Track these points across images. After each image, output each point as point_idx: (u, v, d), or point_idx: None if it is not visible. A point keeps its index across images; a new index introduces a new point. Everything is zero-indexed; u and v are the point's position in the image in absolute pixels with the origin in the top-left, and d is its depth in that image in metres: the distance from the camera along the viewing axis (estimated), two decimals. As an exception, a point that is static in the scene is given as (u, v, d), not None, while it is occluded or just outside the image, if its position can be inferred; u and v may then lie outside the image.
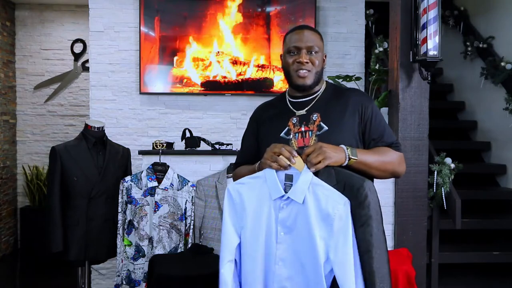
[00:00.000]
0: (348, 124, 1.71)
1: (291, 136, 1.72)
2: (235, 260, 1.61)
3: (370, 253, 1.47)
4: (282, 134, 1.74)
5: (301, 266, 1.51)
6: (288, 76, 1.82)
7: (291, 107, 1.79)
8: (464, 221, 3.17)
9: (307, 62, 1.74)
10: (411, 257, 2.85)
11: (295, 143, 1.70)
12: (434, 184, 3.07)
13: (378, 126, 1.74)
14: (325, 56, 1.81)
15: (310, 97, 1.77)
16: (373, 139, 1.73)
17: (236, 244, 1.59)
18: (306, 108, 1.75)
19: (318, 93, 1.78)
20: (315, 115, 1.72)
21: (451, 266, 3.56)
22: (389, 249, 3.08)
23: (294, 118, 1.75)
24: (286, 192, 1.53)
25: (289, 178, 1.54)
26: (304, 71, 1.74)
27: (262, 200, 1.56)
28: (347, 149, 1.60)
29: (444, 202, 3.07)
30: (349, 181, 1.52)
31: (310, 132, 1.70)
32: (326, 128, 1.69)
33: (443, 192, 3.06)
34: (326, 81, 1.85)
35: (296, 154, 1.55)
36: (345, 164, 1.59)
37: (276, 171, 1.55)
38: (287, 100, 1.82)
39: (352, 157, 1.60)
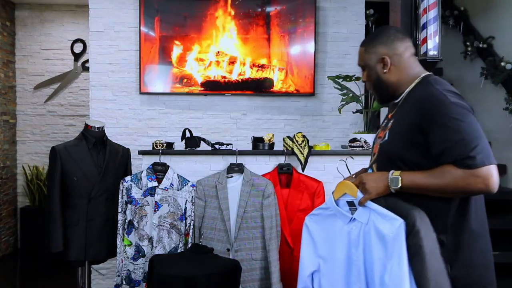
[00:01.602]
0: (408, 136, 1.54)
1: (375, 140, 1.75)
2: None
3: (421, 286, 1.39)
4: (374, 138, 1.79)
5: (371, 286, 1.55)
6: None
7: (389, 110, 1.77)
8: (464, 221, 3.16)
9: (364, 81, 1.75)
10: (411, 257, 2.85)
11: (374, 148, 1.74)
12: (434, 184, 3.06)
13: (439, 140, 1.47)
14: (383, 59, 1.66)
15: (398, 100, 1.69)
16: (436, 154, 1.48)
17: (312, 270, 1.72)
18: (393, 112, 1.69)
19: (404, 96, 1.66)
20: (391, 121, 1.65)
21: (451, 266, 3.56)
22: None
23: (385, 121, 1.73)
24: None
25: (350, 203, 1.63)
26: (369, 89, 1.76)
27: (335, 226, 1.67)
28: (391, 176, 1.52)
29: (444, 202, 3.06)
30: (396, 209, 1.50)
31: (380, 139, 1.68)
32: (387, 138, 1.62)
33: (443, 192, 3.05)
34: (425, 75, 1.67)
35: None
36: (392, 192, 1.53)
37: (336, 200, 1.66)
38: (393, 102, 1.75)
39: (393, 187, 1.51)
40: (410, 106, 1.58)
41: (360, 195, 1.57)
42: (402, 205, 1.49)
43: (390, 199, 1.53)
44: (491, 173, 1.49)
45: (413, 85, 1.64)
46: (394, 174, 1.52)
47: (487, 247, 1.65)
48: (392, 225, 1.46)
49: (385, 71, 1.66)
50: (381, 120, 1.83)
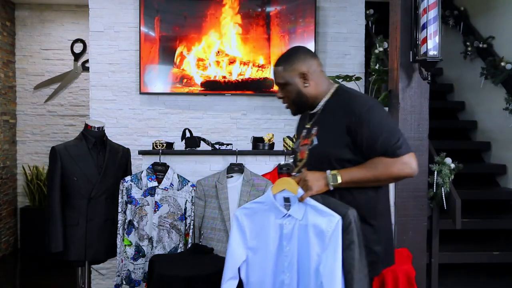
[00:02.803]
0: (336, 139, 1.72)
1: (298, 148, 1.88)
2: (238, 277, 1.80)
3: (351, 275, 1.59)
4: (294, 146, 1.93)
5: (304, 276, 1.67)
6: None
7: (307, 119, 1.89)
8: (464, 221, 3.17)
9: (281, 97, 1.87)
10: (411, 257, 2.85)
11: (298, 155, 1.86)
12: (434, 184, 3.07)
13: (370, 137, 1.68)
14: (303, 74, 1.79)
15: (316, 110, 1.85)
16: (366, 149, 1.70)
17: (241, 260, 1.78)
18: (312, 121, 1.84)
19: (323, 105, 1.83)
20: (314, 128, 1.81)
21: (451, 266, 3.55)
22: (389, 249, 3.09)
23: (304, 131, 1.87)
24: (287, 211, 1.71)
25: (287, 199, 1.71)
26: (285, 104, 1.88)
27: (267, 220, 1.74)
28: (330, 174, 1.68)
29: (444, 202, 3.06)
30: (334, 207, 1.64)
31: (306, 146, 1.81)
32: (316, 142, 1.77)
33: (443, 192, 3.06)
34: (337, 86, 1.85)
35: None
36: (331, 189, 1.69)
37: (274, 195, 1.73)
38: (307, 112, 1.91)
39: (332, 183, 1.68)
40: (335, 112, 1.76)
41: (300, 192, 1.66)
42: (339, 205, 1.65)
43: (328, 198, 1.67)
44: (414, 158, 1.72)
45: (329, 95, 1.82)
46: (332, 172, 1.69)
47: (390, 222, 1.94)
48: (330, 221, 1.60)
49: (306, 85, 1.80)
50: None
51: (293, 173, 1.87)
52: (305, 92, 1.81)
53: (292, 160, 1.90)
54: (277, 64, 1.85)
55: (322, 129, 1.78)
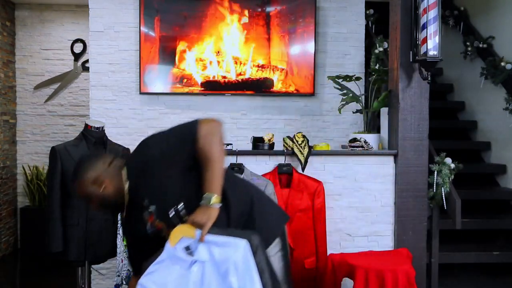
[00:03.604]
0: (158, 181, 1.72)
1: (152, 229, 1.82)
2: None
3: None
4: (149, 230, 1.83)
5: None
6: None
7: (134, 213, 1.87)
8: (464, 221, 3.17)
9: (95, 210, 1.93)
10: (411, 257, 2.85)
11: (158, 229, 1.81)
12: (434, 184, 3.07)
13: (172, 150, 1.72)
14: (96, 180, 1.79)
15: (128, 198, 1.82)
16: (186, 159, 1.72)
17: None
18: (136, 206, 1.81)
19: (126, 191, 1.80)
20: (144, 203, 1.78)
21: (451, 266, 3.56)
22: (389, 249, 3.09)
23: (143, 218, 1.81)
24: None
25: (187, 248, 1.66)
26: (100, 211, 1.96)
27: (176, 275, 1.65)
28: (205, 200, 1.68)
29: (444, 202, 3.07)
30: (238, 236, 1.66)
31: (153, 219, 1.78)
32: (153, 206, 1.76)
33: (443, 192, 3.06)
34: (125, 167, 1.82)
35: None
36: (219, 206, 1.69)
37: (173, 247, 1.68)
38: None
39: (214, 202, 1.67)
40: (139, 175, 1.76)
41: (198, 233, 1.64)
42: (240, 233, 1.67)
43: (227, 230, 1.68)
44: (203, 119, 1.77)
45: (126, 179, 1.79)
46: (204, 196, 1.68)
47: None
48: (237, 249, 1.60)
49: (102, 189, 1.78)
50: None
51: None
52: (106, 195, 1.79)
53: (153, 241, 1.85)
54: (72, 184, 1.85)
55: (146, 195, 1.76)
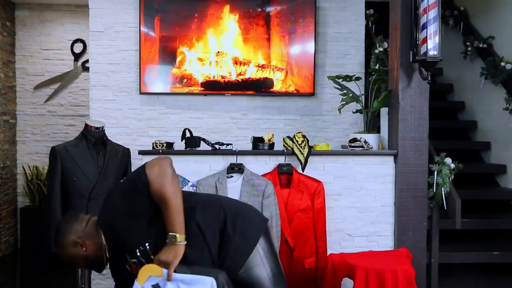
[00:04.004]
0: (133, 236, 1.76)
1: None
2: None
3: None
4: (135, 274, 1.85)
5: None
6: None
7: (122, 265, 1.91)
8: (464, 221, 3.17)
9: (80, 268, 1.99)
10: (411, 257, 2.85)
11: (135, 272, 1.82)
12: (434, 184, 3.07)
13: (134, 207, 1.76)
14: (75, 242, 1.83)
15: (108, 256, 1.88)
16: (142, 205, 1.75)
17: None
18: (118, 261, 1.88)
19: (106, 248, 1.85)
20: (126, 258, 1.82)
21: (451, 266, 3.56)
22: (389, 249, 3.09)
23: (127, 267, 1.85)
24: None
25: (155, 286, 1.70)
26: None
27: None
28: (169, 240, 1.71)
29: (444, 202, 3.06)
30: (204, 273, 1.69)
31: (132, 263, 1.81)
32: (132, 254, 1.78)
33: (443, 192, 3.06)
34: (99, 226, 1.86)
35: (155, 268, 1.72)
36: (184, 243, 1.73)
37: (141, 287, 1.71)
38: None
39: (179, 241, 1.71)
40: (116, 230, 1.79)
41: (165, 271, 1.67)
42: (207, 270, 1.70)
43: (194, 268, 1.71)
44: (145, 164, 1.80)
45: (103, 237, 1.83)
46: (169, 236, 1.72)
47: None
48: (204, 286, 1.63)
49: (84, 249, 1.82)
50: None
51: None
52: (88, 255, 1.83)
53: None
54: (55, 249, 1.88)
55: (126, 251, 1.80)
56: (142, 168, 1.78)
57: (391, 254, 2.90)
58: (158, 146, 2.99)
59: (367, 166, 3.10)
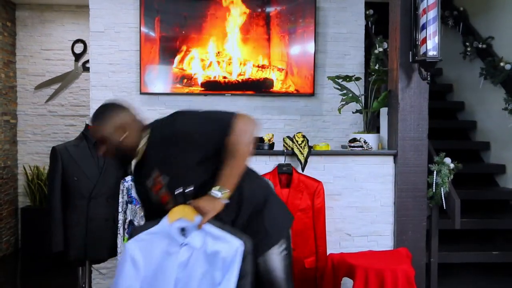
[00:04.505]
0: (181, 159, 1.73)
1: (157, 197, 1.81)
2: None
3: None
4: (154, 200, 1.82)
5: None
6: None
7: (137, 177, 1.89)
8: (464, 221, 3.17)
9: (103, 154, 1.84)
10: (410, 257, 2.86)
11: (160, 201, 1.80)
12: (434, 184, 3.08)
13: (203, 136, 1.74)
14: (123, 128, 1.81)
15: (139, 159, 1.84)
16: (213, 148, 1.74)
17: None
18: (146, 169, 1.82)
19: (142, 151, 1.83)
20: (153, 172, 1.79)
21: (450, 266, 3.56)
22: (388, 248, 3.10)
23: (148, 180, 1.82)
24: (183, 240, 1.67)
25: (183, 229, 1.67)
26: (110, 158, 1.86)
27: (162, 250, 1.67)
28: (215, 191, 1.67)
29: (444, 202, 3.07)
30: (234, 235, 1.68)
31: (162, 188, 1.77)
32: (167, 178, 1.76)
33: (442, 192, 3.07)
34: (149, 128, 1.85)
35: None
36: (226, 202, 1.69)
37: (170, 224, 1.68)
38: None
39: (222, 196, 1.67)
40: (158, 149, 1.76)
41: (198, 219, 1.63)
42: (235, 232, 1.67)
43: (226, 227, 1.68)
44: (241, 115, 1.81)
45: (145, 139, 1.82)
46: (215, 188, 1.68)
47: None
48: (230, 247, 1.60)
49: (122, 137, 1.80)
50: None
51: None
52: (123, 142, 1.80)
53: (160, 211, 1.83)
54: (93, 120, 1.85)
55: (162, 166, 1.77)
56: (231, 114, 1.79)
57: (391, 254, 2.91)
58: (158, 146, 3.00)
59: (367, 166, 3.11)
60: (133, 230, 1.73)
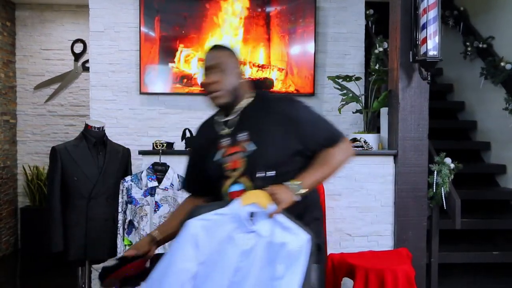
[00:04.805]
0: (276, 139, 1.65)
1: (224, 159, 1.69)
2: None
3: None
4: (216, 158, 1.70)
5: None
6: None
7: (219, 127, 1.77)
8: (464, 221, 3.17)
9: (212, 83, 1.69)
10: (410, 257, 2.86)
11: (228, 165, 1.68)
12: (434, 184, 3.07)
13: (310, 133, 1.68)
14: (241, 68, 1.73)
15: (235, 115, 1.73)
16: (309, 145, 1.68)
17: (188, 277, 1.54)
18: (234, 127, 1.71)
19: (243, 109, 1.72)
20: (241, 135, 1.68)
21: (450, 266, 3.56)
22: (388, 249, 3.10)
23: (225, 139, 1.71)
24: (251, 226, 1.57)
25: (252, 214, 1.57)
26: (214, 92, 1.70)
27: (227, 234, 1.55)
28: (293, 185, 1.59)
29: (444, 202, 3.07)
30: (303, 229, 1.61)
31: (240, 153, 1.66)
32: (254, 147, 1.65)
33: (442, 192, 3.06)
34: (255, 92, 1.77)
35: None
36: (298, 199, 1.59)
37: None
38: (215, 119, 1.81)
39: (297, 193, 1.58)
40: (261, 116, 1.68)
41: (271, 207, 1.55)
42: (307, 229, 1.57)
43: (295, 221, 1.59)
44: (346, 138, 1.78)
45: (250, 100, 1.73)
46: (294, 182, 1.59)
47: None
48: (298, 240, 1.51)
49: (240, 80, 1.71)
50: None
51: (228, 185, 1.69)
52: (238, 85, 1.70)
53: (214, 173, 1.71)
54: (223, 47, 1.75)
55: (255, 133, 1.66)
56: (342, 134, 1.76)
57: (391, 254, 2.91)
58: (158, 146, 3.00)
59: (367, 166, 3.10)
60: (195, 208, 1.59)
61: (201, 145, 1.82)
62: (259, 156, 1.64)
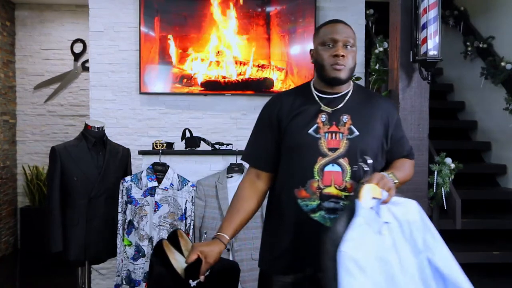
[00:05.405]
0: (375, 131, 1.68)
1: (320, 135, 1.63)
2: None
3: None
4: (310, 131, 1.64)
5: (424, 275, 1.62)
6: (321, 70, 1.67)
7: (320, 102, 1.68)
8: (464, 221, 3.17)
9: (343, 56, 1.62)
10: (411, 257, 2.85)
11: (325, 143, 1.62)
12: (434, 184, 3.07)
13: (400, 138, 1.78)
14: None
15: (339, 95, 1.69)
16: (394, 149, 1.75)
17: None
18: (337, 107, 1.67)
19: (347, 92, 1.70)
20: (345, 117, 1.65)
21: (451, 266, 3.55)
22: (389, 249, 3.08)
23: (323, 116, 1.66)
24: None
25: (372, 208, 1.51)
26: (341, 65, 1.62)
27: (373, 240, 1.46)
28: (390, 175, 1.59)
29: (444, 202, 3.06)
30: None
31: (340, 135, 1.63)
32: (357, 133, 1.63)
33: (443, 192, 3.06)
34: (352, 81, 1.76)
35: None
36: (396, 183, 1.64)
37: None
38: (314, 93, 1.71)
39: (396, 182, 1.62)
40: (365, 104, 1.71)
41: (384, 194, 1.50)
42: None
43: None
44: None
45: (351, 86, 1.73)
46: (389, 173, 1.62)
47: None
48: (412, 208, 1.54)
49: (355, 64, 1.72)
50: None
51: (324, 164, 1.62)
52: (353, 68, 1.69)
53: (305, 146, 1.64)
54: (348, 24, 1.72)
55: (358, 119, 1.65)
56: (412, 156, 1.85)
57: (391, 254, 2.89)
58: (158, 146, 2.99)
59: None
60: (331, 233, 1.45)
61: (291, 113, 1.68)
62: (364, 142, 1.64)
